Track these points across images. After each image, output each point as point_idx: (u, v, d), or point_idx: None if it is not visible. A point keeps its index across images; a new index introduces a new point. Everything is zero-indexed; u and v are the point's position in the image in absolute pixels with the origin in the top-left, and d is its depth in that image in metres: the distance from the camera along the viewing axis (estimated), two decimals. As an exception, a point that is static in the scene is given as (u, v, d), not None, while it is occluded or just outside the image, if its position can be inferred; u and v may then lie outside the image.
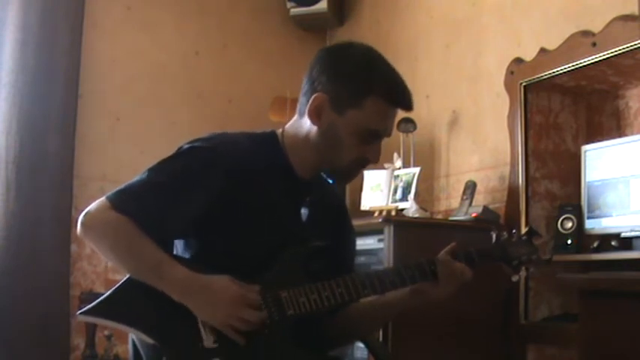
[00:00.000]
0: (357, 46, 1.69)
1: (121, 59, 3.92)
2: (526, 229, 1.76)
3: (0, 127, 3.49)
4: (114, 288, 1.56)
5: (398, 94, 1.63)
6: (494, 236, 1.72)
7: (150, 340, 1.50)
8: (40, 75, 3.57)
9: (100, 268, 3.68)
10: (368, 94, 1.59)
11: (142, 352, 1.54)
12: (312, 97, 1.62)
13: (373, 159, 1.65)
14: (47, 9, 3.60)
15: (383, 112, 1.62)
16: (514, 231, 1.76)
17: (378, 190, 3.39)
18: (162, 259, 1.54)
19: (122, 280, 1.57)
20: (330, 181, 1.82)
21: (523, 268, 1.71)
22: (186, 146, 1.64)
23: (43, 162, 3.55)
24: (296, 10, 4.22)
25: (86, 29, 3.76)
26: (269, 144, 1.69)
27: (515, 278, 1.70)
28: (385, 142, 1.69)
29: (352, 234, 1.85)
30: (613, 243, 2.61)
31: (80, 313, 1.55)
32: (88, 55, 3.77)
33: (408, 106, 1.65)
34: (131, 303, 1.55)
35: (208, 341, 1.52)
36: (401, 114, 1.72)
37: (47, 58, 3.59)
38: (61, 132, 3.61)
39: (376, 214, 3.20)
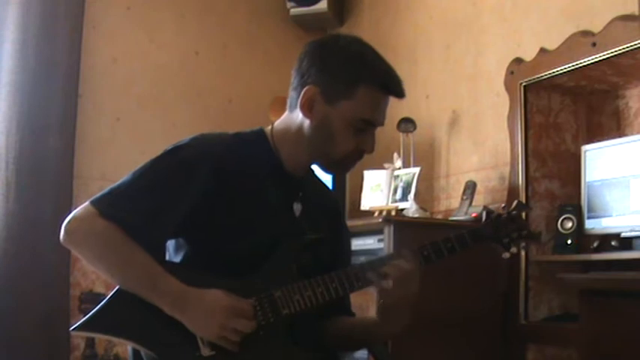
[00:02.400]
0: (345, 38, 1.67)
1: (121, 59, 3.92)
2: (514, 204, 1.71)
3: (0, 127, 3.49)
4: (106, 299, 1.53)
5: (389, 82, 1.61)
6: (484, 214, 1.68)
7: (148, 352, 1.49)
8: (40, 75, 3.56)
9: (100, 268, 3.67)
10: (359, 83, 1.57)
11: (143, 354, 1.53)
12: (303, 90, 1.59)
13: (369, 149, 1.63)
14: (47, 9, 3.59)
15: (376, 100, 1.60)
16: (503, 205, 1.73)
17: (378, 190, 3.39)
18: (154, 272, 1.51)
19: (114, 291, 1.54)
20: (327, 173, 1.80)
21: (514, 245, 1.67)
22: (171, 147, 1.61)
23: (43, 162, 3.55)
24: (296, 10, 4.22)
25: (86, 29, 3.75)
26: (257, 141, 1.66)
27: (506, 256, 1.67)
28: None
29: (347, 231, 1.83)
30: (613, 243, 2.61)
31: (74, 329, 1.51)
32: (88, 55, 3.77)
33: (399, 92, 1.63)
34: (126, 314, 1.51)
35: (205, 350, 1.50)
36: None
37: (47, 58, 3.59)
38: (61, 132, 3.61)
39: (376, 214, 3.20)
